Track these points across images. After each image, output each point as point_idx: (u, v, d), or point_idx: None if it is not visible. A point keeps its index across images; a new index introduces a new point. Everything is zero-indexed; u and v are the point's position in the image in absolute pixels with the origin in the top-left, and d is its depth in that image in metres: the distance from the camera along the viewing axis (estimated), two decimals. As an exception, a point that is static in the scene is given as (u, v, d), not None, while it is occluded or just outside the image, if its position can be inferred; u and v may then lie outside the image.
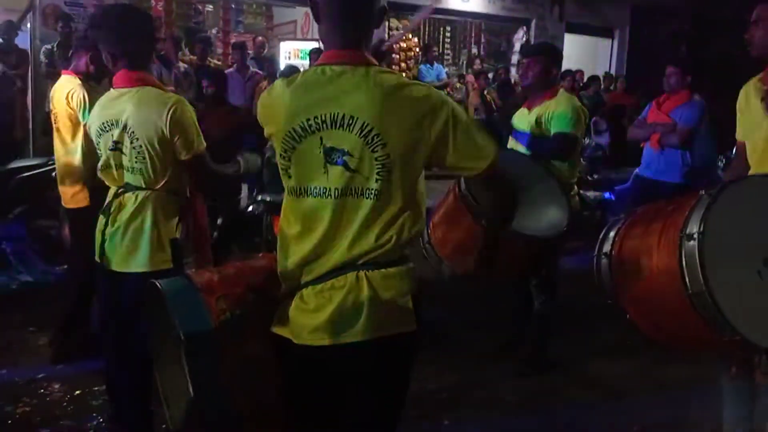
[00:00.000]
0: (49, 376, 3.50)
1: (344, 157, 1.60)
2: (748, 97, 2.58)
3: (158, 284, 1.78)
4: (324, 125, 1.61)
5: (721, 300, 1.73)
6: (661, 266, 1.88)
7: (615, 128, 9.97)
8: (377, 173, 1.59)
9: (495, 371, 3.75)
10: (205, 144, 2.49)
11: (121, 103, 2.44)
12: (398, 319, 1.65)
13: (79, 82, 3.51)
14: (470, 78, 11.12)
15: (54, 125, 3.60)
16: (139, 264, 2.47)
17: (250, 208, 5.06)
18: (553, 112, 3.47)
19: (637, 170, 5.13)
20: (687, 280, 1.76)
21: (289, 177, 1.69)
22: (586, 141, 9.24)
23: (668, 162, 4.64)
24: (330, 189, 1.63)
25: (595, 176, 7.55)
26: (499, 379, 3.67)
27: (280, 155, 1.69)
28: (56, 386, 3.41)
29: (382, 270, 1.63)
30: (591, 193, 7.16)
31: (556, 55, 3.72)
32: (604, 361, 3.88)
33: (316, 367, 1.70)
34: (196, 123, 2.47)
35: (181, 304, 1.75)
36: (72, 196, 3.57)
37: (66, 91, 3.50)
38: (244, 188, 5.72)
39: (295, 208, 1.70)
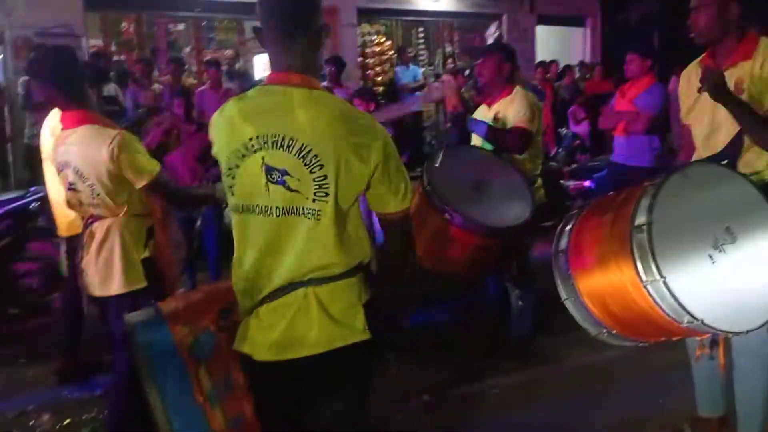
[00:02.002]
0: (39, 407, 3.53)
1: (284, 177, 1.66)
2: (689, 80, 2.62)
3: (126, 318, 1.85)
4: (266, 145, 1.67)
5: (676, 287, 1.78)
6: (615, 258, 1.93)
7: (594, 116, 10.03)
8: (315, 193, 1.65)
9: (480, 368, 3.80)
10: (158, 166, 2.58)
11: (68, 145, 2.56)
12: (349, 330, 1.71)
13: None
14: (447, 77, 11.17)
15: (45, 155, 3.66)
16: (115, 287, 2.59)
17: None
18: (510, 108, 3.56)
19: (611, 158, 5.22)
20: (641, 270, 1.81)
21: (233, 194, 1.76)
22: (563, 131, 9.33)
23: (635, 147, 4.74)
24: (271, 207, 1.69)
25: (574, 166, 7.62)
26: (484, 375, 3.71)
27: (225, 173, 1.75)
28: (46, 417, 3.43)
29: (330, 284, 1.70)
30: (571, 183, 7.22)
31: (507, 51, 3.79)
32: (587, 350, 3.92)
33: (277, 381, 1.78)
34: (142, 149, 2.57)
35: (147, 333, 1.82)
36: (67, 224, 3.64)
37: (52, 123, 3.56)
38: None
39: (240, 226, 1.76)
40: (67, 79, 2.57)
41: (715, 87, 2.24)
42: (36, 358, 4.05)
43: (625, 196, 2.00)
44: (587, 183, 7.28)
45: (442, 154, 2.95)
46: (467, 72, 11.48)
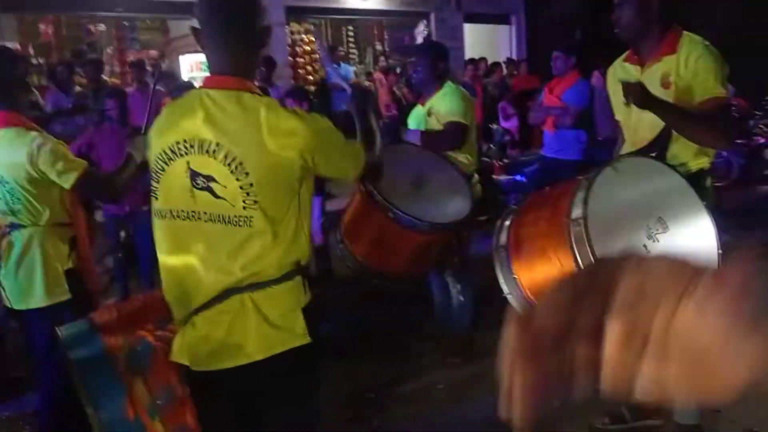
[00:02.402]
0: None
1: (210, 183, 1.62)
2: (615, 77, 2.70)
3: (57, 330, 1.77)
4: (192, 149, 1.63)
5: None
6: (554, 252, 1.97)
7: (522, 112, 10.28)
8: (244, 201, 1.61)
9: (425, 364, 3.82)
10: (83, 163, 2.47)
11: None
12: (288, 335, 1.69)
13: None
14: (378, 75, 11.20)
15: None
16: (37, 300, 2.48)
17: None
18: (441, 102, 3.61)
19: (541, 152, 5.36)
20: (580, 262, 1.84)
21: (156, 198, 1.71)
22: (494, 127, 9.51)
23: (564, 141, 4.91)
24: (199, 213, 1.64)
25: (505, 160, 7.78)
26: (429, 371, 3.74)
27: (152, 177, 1.71)
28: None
29: (266, 289, 1.66)
30: (503, 177, 7.37)
31: (438, 50, 3.85)
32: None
33: (219, 390, 1.73)
34: (65, 150, 2.46)
35: (79, 346, 1.75)
36: None
37: None
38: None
39: (164, 231, 1.71)
40: None
41: (639, 98, 2.30)
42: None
43: (560, 191, 2.04)
44: (519, 177, 7.44)
45: (383, 150, 2.94)
46: (398, 70, 11.57)
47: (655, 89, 2.39)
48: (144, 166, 2.87)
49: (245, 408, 1.76)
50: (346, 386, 3.49)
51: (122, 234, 4.67)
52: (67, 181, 2.41)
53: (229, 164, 1.60)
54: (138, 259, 4.79)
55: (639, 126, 2.53)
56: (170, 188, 1.67)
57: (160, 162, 1.68)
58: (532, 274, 2.05)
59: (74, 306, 2.43)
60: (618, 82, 2.52)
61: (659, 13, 2.48)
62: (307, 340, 1.70)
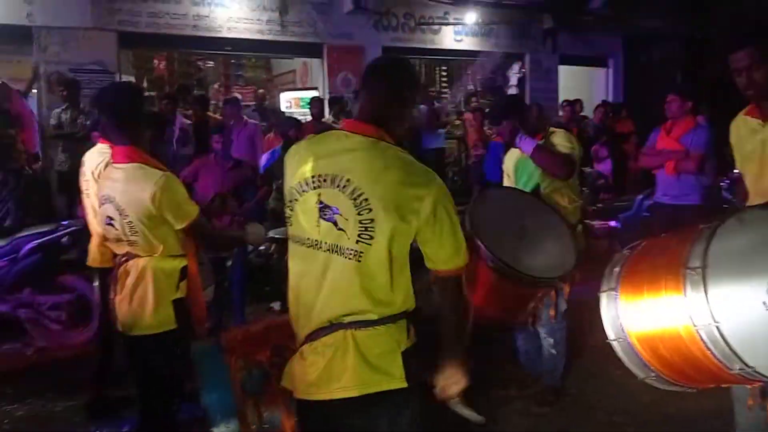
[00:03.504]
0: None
1: (335, 216, 1.72)
2: (738, 130, 2.63)
3: (192, 346, 1.90)
4: (324, 183, 1.75)
5: (728, 333, 1.74)
6: (668, 302, 1.90)
7: (616, 155, 10.03)
8: (359, 235, 1.69)
9: (509, 412, 3.74)
10: (197, 209, 2.59)
11: (113, 180, 2.58)
12: (384, 377, 1.71)
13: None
14: (468, 116, 11.26)
15: (84, 190, 3.71)
16: (146, 327, 2.56)
17: (261, 248, 5.08)
18: (552, 142, 3.55)
19: (654, 198, 5.18)
20: (694, 315, 1.78)
21: (290, 225, 1.84)
22: (588, 170, 9.32)
23: (687, 186, 4.72)
24: (321, 242, 1.75)
25: (599, 205, 7.59)
26: (514, 417, 3.65)
27: (286, 204, 1.84)
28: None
29: (369, 329, 1.71)
30: (596, 223, 7.18)
31: (515, 106, 3.82)
32: (619, 394, 3.86)
33: (319, 421, 1.79)
34: (184, 193, 2.58)
35: (206, 363, 1.87)
36: (100, 256, 3.67)
37: (99, 160, 3.59)
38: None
39: (294, 256, 1.83)
40: (126, 115, 2.59)
41: None
42: (64, 392, 4.03)
43: (679, 238, 1.98)
44: (613, 223, 7.24)
45: (482, 195, 2.94)
46: (488, 110, 11.59)
47: None
48: (242, 242, 3.04)
49: None
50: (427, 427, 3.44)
51: (228, 264, 4.83)
52: (179, 224, 2.53)
53: (354, 198, 1.70)
54: (230, 293, 4.99)
55: (763, 175, 2.45)
56: (301, 217, 1.80)
57: (295, 193, 1.81)
58: (641, 321, 1.99)
59: (180, 334, 2.50)
60: (740, 136, 2.46)
61: None
62: (403, 384, 1.72)
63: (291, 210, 1.83)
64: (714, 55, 11.45)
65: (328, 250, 1.73)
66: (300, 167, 1.82)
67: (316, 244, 1.75)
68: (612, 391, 3.88)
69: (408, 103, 1.90)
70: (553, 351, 3.71)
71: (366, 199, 1.69)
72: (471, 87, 13.96)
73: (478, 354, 4.30)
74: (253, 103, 10.66)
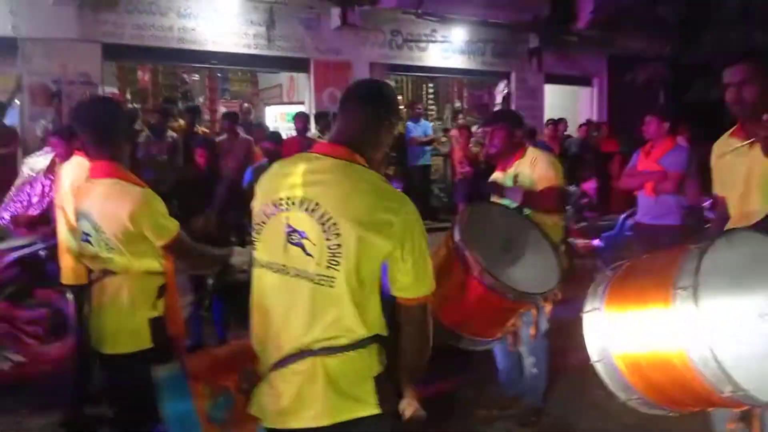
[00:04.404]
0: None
1: (303, 240, 1.68)
2: (721, 151, 2.63)
3: (153, 372, 1.84)
4: (293, 206, 1.71)
5: (721, 354, 1.71)
6: (654, 321, 1.88)
7: (600, 174, 10.10)
8: (328, 260, 1.66)
9: (491, 430, 3.70)
10: (177, 225, 2.51)
11: (91, 196, 2.51)
12: (357, 403, 1.67)
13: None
14: (454, 132, 11.30)
15: (59, 204, 3.65)
16: (121, 345, 2.50)
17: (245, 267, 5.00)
18: (530, 169, 3.56)
19: (636, 218, 5.22)
20: (683, 334, 1.76)
21: (257, 249, 1.80)
22: (572, 189, 9.36)
23: (665, 206, 4.75)
24: (288, 267, 1.71)
25: (583, 224, 7.61)
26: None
27: (254, 227, 1.79)
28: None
29: (339, 355, 1.67)
30: (580, 241, 7.19)
31: (515, 118, 3.84)
32: (600, 416, 3.84)
33: None
34: (164, 209, 2.50)
35: (169, 388, 1.81)
36: (73, 273, 3.61)
37: (75, 173, 3.55)
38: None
39: (258, 282, 1.78)
40: (105, 130, 2.54)
41: None
42: (39, 408, 3.94)
43: (667, 258, 1.96)
44: (596, 242, 7.25)
45: (470, 208, 2.94)
46: (475, 127, 11.65)
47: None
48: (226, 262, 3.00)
49: None
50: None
51: (210, 283, 4.76)
52: (160, 241, 2.46)
53: (323, 223, 1.66)
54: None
55: (748, 197, 2.46)
56: (268, 241, 1.75)
57: (263, 215, 1.77)
58: (625, 342, 1.97)
59: (156, 354, 2.41)
60: (723, 157, 2.47)
61: None
62: (376, 410, 1.69)
63: (258, 233, 1.79)
64: (698, 77, 11.62)
65: (297, 275, 1.69)
66: (269, 189, 1.79)
67: (284, 269, 1.71)
68: (594, 412, 3.86)
69: (386, 130, 1.86)
70: (535, 370, 3.69)
71: (335, 224, 1.65)
72: (458, 104, 14.04)
73: (462, 374, 4.30)
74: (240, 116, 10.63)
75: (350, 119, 1.83)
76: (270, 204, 1.75)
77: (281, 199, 1.73)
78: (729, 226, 2.51)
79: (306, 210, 1.69)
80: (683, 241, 1.97)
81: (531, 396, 3.78)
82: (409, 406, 1.80)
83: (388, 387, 1.72)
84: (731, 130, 2.65)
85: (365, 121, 1.82)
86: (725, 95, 2.52)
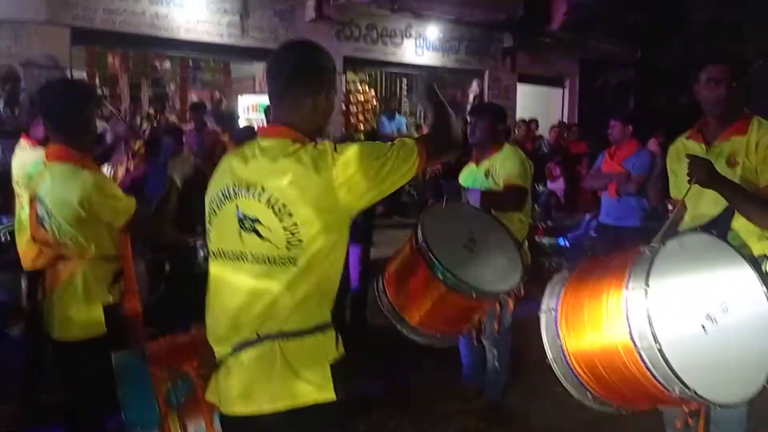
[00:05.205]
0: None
1: (256, 225, 1.68)
2: (678, 155, 2.68)
3: (113, 356, 1.83)
4: (240, 193, 1.70)
5: (670, 355, 1.76)
6: (608, 323, 1.92)
7: (569, 174, 10.24)
8: (288, 241, 1.65)
9: (448, 427, 3.74)
10: (133, 204, 2.48)
11: (44, 180, 2.48)
12: (312, 388, 1.68)
13: (38, 150, 3.52)
14: (426, 129, 11.33)
15: (16, 188, 3.59)
16: (73, 332, 2.47)
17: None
18: (502, 164, 3.60)
19: (599, 219, 5.33)
20: (635, 336, 1.81)
21: (210, 240, 1.79)
22: (540, 188, 9.48)
23: (627, 208, 4.87)
24: (246, 254, 1.70)
25: (549, 223, 7.73)
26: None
27: (206, 218, 1.79)
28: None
29: (297, 339, 1.67)
30: (546, 240, 7.31)
31: (500, 113, 3.91)
32: (557, 413, 3.89)
33: None
34: (116, 190, 2.48)
35: (128, 373, 1.80)
36: (30, 258, 3.54)
37: (26, 158, 3.53)
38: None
39: (214, 272, 1.78)
40: (61, 114, 2.50)
41: (705, 177, 2.29)
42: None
43: (620, 260, 2.01)
44: (562, 241, 7.37)
45: (434, 208, 2.96)
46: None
47: (721, 167, 2.39)
48: (184, 190, 2.93)
49: None
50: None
51: (167, 268, 4.74)
52: (119, 221, 2.43)
53: (272, 206, 1.66)
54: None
55: (700, 200, 2.50)
56: (221, 230, 1.75)
57: (213, 206, 1.77)
58: (581, 341, 2.01)
59: (111, 340, 2.38)
60: (680, 160, 2.52)
61: (745, 96, 2.50)
62: (332, 395, 1.69)
63: (210, 224, 1.79)
64: (667, 83, 11.85)
65: (255, 261, 1.69)
66: (218, 179, 1.78)
67: (240, 256, 1.71)
68: (552, 408, 3.91)
69: (314, 92, 1.76)
70: (497, 364, 3.73)
71: (284, 205, 1.64)
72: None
73: (423, 369, 4.33)
74: (209, 107, 10.53)
75: (274, 95, 1.78)
76: (219, 193, 1.75)
77: (228, 186, 1.73)
78: (682, 227, 2.57)
79: (253, 195, 1.68)
80: (642, 243, 2.01)
81: (491, 390, 3.82)
82: None
83: (344, 375, 1.72)
84: (688, 133, 2.70)
85: (287, 92, 1.75)
86: (700, 92, 2.56)
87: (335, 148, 1.68)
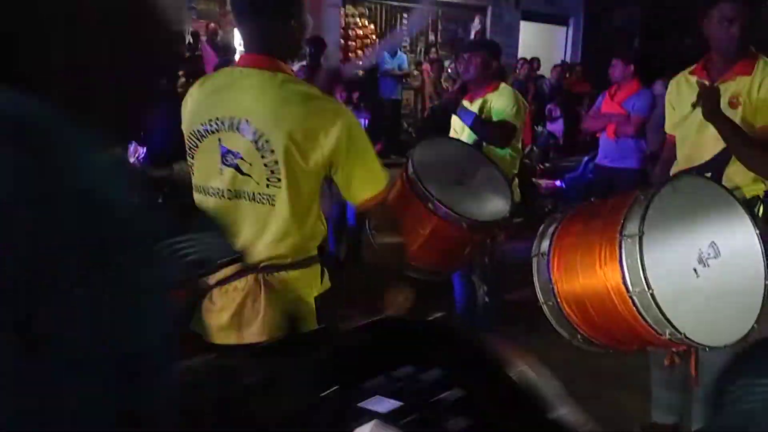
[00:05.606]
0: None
1: (236, 160, 1.65)
2: (679, 89, 2.62)
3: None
4: (222, 126, 1.66)
5: (662, 300, 1.77)
6: (601, 266, 1.92)
7: (569, 116, 10.10)
8: (267, 179, 1.64)
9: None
10: None
11: None
12: (297, 321, 1.68)
13: None
14: (426, 67, 11.13)
15: None
16: None
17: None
18: (496, 101, 3.54)
19: (596, 160, 5.28)
20: (629, 280, 1.81)
21: (193, 174, 1.77)
22: (539, 129, 9.36)
23: (625, 150, 4.80)
24: (224, 190, 1.68)
25: (547, 165, 7.66)
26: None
27: (187, 152, 1.75)
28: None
29: (282, 273, 1.69)
30: (543, 182, 7.26)
31: (495, 49, 3.81)
32: (544, 351, 3.93)
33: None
34: None
35: None
36: None
37: None
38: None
39: (199, 204, 1.75)
40: None
41: (711, 107, 2.24)
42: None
43: (615, 204, 1.99)
44: (558, 183, 7.32)
45: (425, 143, 2.94)
46: (448, 63, 11.48)
47: (723, 107, 2.33)
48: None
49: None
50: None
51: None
52: None
53: (255, 141, 1.62)
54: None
55: (697, 147, 2.46)
56: (203, 164, 1.72)
57: (194, 139, 1.72)
58: (572, 284, 2.01)
59: None
60: (679, 94, 2.45)
61: (750, 35, 2.41)
62: (315, 327, 1.70)
63: (192, 158, 1.74)
64: (673, 24, 11.57)
65: (235, 197, 1.67)
66: (197, 111, 1.72)
67: (220, 193, 1.69)
68: (541, 344, 3.95)
69: (288, 15, 1.70)
70: (487, 299, 3.76)
71: (267, 141, 1.61)
72: (432, 38, 13.78)
73: (416, 306, 4.36)
74: (205, 37, 10.30)
75: (244, 21, 1.72)
76: (199, 125, 1.69)
77: (210, 120, 1.68)
78: (674, 169, 2.54)
79: (236, 129, 1.64)
80: (638, 186, 1.99)
81: (482, 327, 3.86)
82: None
83: (328, 309, 1.74)
84: (691, 68, 2.62)
85: (259, 17, 1.69)
86: (711, 31, 2.46)
87: (351, 125, 1.67)
